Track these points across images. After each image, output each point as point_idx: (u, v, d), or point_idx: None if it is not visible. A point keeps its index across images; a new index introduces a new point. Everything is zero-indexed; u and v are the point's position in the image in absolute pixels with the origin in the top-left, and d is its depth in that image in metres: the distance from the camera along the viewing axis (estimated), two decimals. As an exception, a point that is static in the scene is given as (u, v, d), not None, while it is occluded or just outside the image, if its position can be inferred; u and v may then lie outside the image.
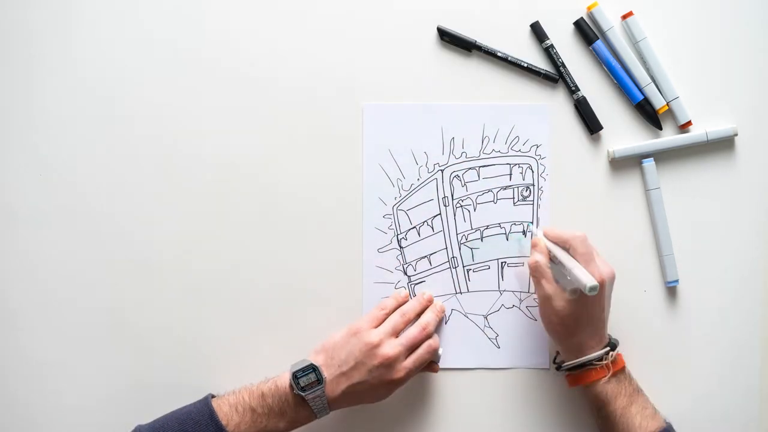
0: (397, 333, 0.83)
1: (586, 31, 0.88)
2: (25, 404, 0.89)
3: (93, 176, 0.88)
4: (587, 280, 0.75)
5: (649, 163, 0.88)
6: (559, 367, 0.86)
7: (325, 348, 0.83)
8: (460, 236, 0.89)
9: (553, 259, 0.82)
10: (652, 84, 0.87)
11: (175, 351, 0.89)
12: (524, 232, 0.89)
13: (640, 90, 0.87)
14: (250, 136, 0.88)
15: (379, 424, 0.89)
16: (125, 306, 0.89)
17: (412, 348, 0.82)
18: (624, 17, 0.87)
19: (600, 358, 0.81)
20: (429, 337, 0.84)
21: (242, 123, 0.88)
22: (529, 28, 0.88)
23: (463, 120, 0.88)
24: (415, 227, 0.89)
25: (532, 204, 0.89)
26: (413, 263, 0.89)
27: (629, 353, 0.87)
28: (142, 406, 0.84)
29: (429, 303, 0.87)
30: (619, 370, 0.82)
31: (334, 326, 0.87)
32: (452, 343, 0.89)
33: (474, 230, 0.89)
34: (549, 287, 0.80)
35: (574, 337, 0.81)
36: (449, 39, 0.88)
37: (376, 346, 0.80)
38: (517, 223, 0.89)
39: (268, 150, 0.88)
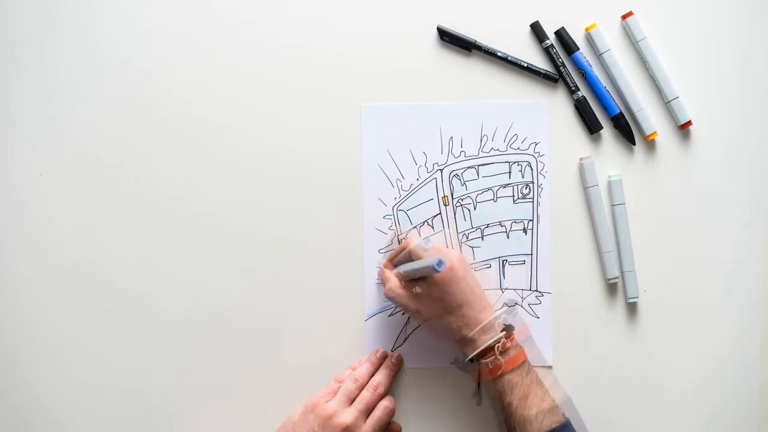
0: (351, 400, 0.84)
1: (567, 41, 0.88)
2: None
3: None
4: (430, 262, 0.77)
5: (616, 179, 0.88)
6: (463, 365, 0.84)
7: (285, 427, 0.84)
8: (460, 235, 0.89)
9: (402, 279, 0.84)
10: (644, 110, 0.87)
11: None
12: (524, 230, 0.89)
13: (629, 109, 0.88)
14: (248, 137, 0.89)
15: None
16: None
17: (368, 411, 0.84)
18: (624, 17, 0.88)
19: (489, 349, 0.80)
20: (382, 396, 0.85)
21: (240, 123, 0.89)
22: (529, 28, 0.88)
23: (460, 119, 0.88)
24: (415, 227, 0.89)
25: (532, 201, 0.89)
26: (414, 262, 0.89)
27: (630, 353, 0.87)
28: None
29: (383, 359, 0.88)
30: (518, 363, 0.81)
31: (336, 327, 0.88)
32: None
33: (474, 229, 0.89)
34: (411, 303, 0.83)
35: (458, 334, 0.82)
36: (449, 39, 0.88)
37: (332, 416, 0.82)
38: (517, 221, 0.89)
39: (266, 152, 0.89)
